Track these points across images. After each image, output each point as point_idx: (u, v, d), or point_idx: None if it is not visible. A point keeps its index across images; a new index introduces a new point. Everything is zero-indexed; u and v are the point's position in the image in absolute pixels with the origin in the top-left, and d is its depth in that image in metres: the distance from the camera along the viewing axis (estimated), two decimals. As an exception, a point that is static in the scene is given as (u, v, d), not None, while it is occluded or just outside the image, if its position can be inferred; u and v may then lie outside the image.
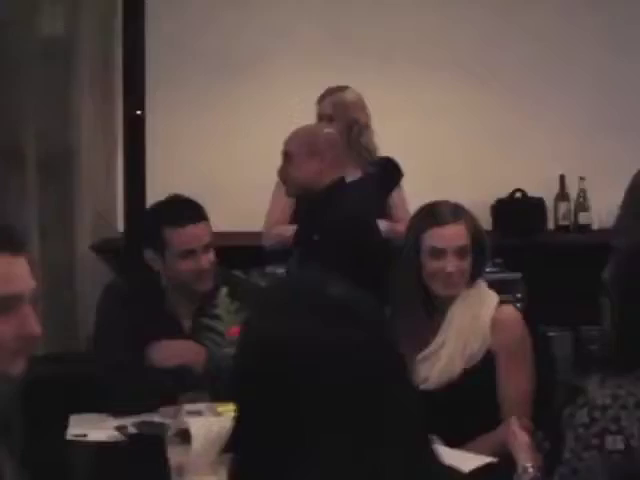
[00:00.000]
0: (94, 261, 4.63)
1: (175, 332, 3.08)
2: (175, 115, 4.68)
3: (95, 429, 2.77)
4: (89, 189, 4.68)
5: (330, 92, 4.18)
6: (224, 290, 2.56)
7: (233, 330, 2.46)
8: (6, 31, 4.57)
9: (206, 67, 4.79)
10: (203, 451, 2.37)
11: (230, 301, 2.52)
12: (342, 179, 3.72)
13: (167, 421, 2.72)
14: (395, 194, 4.21)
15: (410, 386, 1.40)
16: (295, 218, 4.06)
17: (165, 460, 2.49)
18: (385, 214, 4.12)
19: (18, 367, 1.71)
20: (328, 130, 3.84)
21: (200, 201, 3.20)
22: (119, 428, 2.73)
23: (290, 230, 3.93)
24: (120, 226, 4.76)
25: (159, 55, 4.55)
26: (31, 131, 4.53)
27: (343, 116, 4.13)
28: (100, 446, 2.70)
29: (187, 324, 3.13)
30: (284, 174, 3.75)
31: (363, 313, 1.35)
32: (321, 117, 4.15)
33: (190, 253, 3.04)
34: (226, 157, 4.84)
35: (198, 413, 2.68)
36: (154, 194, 4.29)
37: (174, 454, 2.45)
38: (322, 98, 4.20)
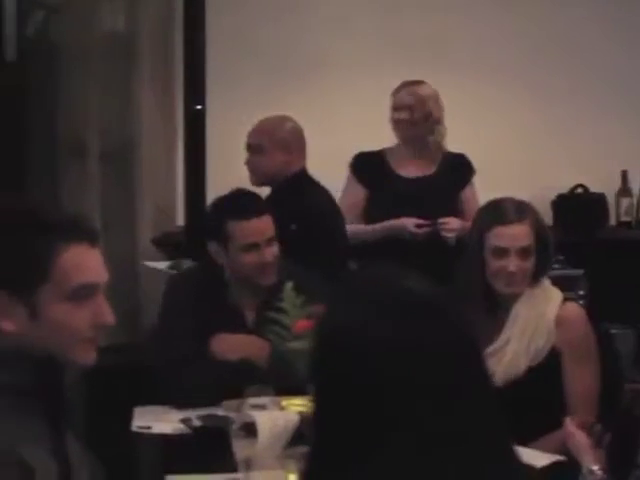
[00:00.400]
0: (154, 254, 4.66)
1: (238, 325, 3.09)
2: (236, 110, 4.68)
3: (159, 421, 2.80)
4: (150, 183, 4.71)
5: (409, 84, 4.14)
6: (290, 284, 2.56)
7: (299, 324, 2.46)
8: (69, 27, 4.62)
9: (266, 63, 4.78)
10: (269, 445, 2.38)
11: (296, 295, 2.53)
12: (304, 169, 3.84)
13: (231, 414, 2.73)
14: (467, 191, 4.16)
15: (491, 382, 1.38)
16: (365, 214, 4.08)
17: (230, 453, 2.50)
18: (457, 211, 4.06)
19: (90, 356, 1.73)
20: (293, 122, 3.92)
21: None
22: (184, 421, 2.75)
23: (364, 229, 3.98)
24: (180, 220, 4.78)
25: (220, 50, 4.56)
26: (94, 125, 4.57)
27: (421, 108, 4.11)
28: (165, 438, 2.73)
29: (250, 317, 3.14)
30: (251, 164, 3.85)
31: (445, 308, 1.34)
32: (398, 107, 4.11)
33: (253, 246, 3.06)
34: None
35: (262, 407, 2.69)
36: (214, 188, 4.31)
37: (239, 448, 2.47)
38: (399, 89, 4.13)
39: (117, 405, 2.91)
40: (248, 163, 3.89)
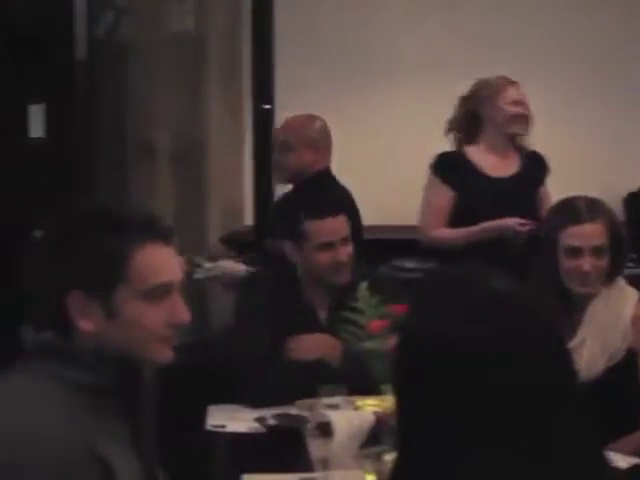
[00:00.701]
0: (223, 253, 4.68)
1: (312, 324, 3.09)
2: (303, 109, 4.68)
3: (234, 420, 2.80)
4: (218, 183, 4.74)
5: (509, 81, 4.00)
6: (364, 283, 2.55)
7: (374, 324, 2.45)
8: (138, 28, 4.66)
9: (334, 61, 4.78)
10: (345, 445, 2.37)
11: (370, 294, 2.52)
12: (328, 168, 3.88)
13: (305, 414, 2.73)
14: (542, 189, 4.08)
15: (579, 382, 1.36)
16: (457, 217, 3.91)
17: (304, 452, 2.50)
18: (535, 210, 3.91)
19: (166, 355, 1.73)
20: (321, 121, 3.93)
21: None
22: (259, 420, 2.75)
23: (470, 231, 3.81)
24: (247, 219, 4.80)
25: (287, 49, 4.57)
26: (163, 126, 4.61)
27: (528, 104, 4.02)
28: (239, 437, 2.73)
29: (323, 316, 3.14)
30: (277, 162, 3.87)
31: (534, 307, 1.32)
32: (518, 102, 3.91)
33: (328, 245, 3.06)
34: (353, 153, 4.82)
35: (335, 407, 2.68)
36: (282, 188, 4.32)
37: (315, 447, 2.46)
38: (506, 85, 3.88)
39: (191, 404, 2.93)
40: (275, 161, 3.93)
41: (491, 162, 3.95)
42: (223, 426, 2.77)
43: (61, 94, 4.43)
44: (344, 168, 4.65)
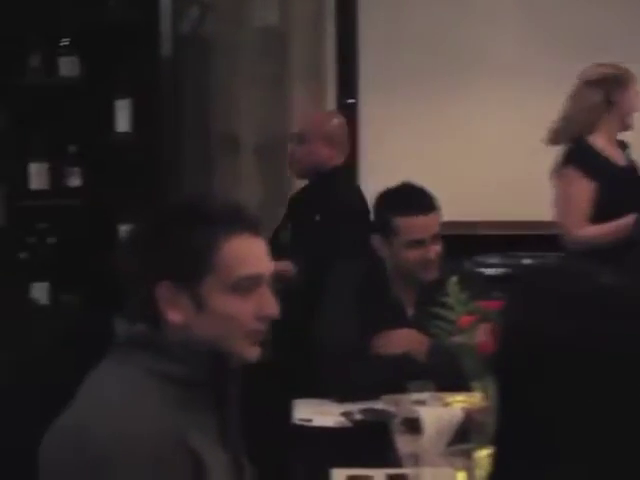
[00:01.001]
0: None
1: (399, 319, 3.08)
2: (387, 102, 4.68)
3: (320, 414, 2.80)
4: (300, 177, 4.75)
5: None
6: (454, 279, 2.54)
7: (464, 319, 2.43)
8: (222, 23, 4.69)
9: (418, 55, 4.75)
10: (433, 441, 2.36)
11: (460, 290, 2.50)
12: (343, 165, 3.94)
13: (391, 409, 2.73)
14: None
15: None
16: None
17: (391, 448, 2.49)
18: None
19: (255, 349, 1.73)
20: (340, 117, 4.00)
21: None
22: (345, 414, 2.75)
23: (602, 230, 3.71)
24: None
25: (372, 43, 4.55)
26: (247, 120, 4.63)
27: None
28: (326, 431, 2.73)
29: (410, 312, 3.13)
30: (294, 155, 3.93)
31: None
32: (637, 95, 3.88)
33: (418, 243, 3.05)
34: (435, 148, 4.80)
35: (422, 402, 2.67)
36: (365, 182, 4.32)
37: (403, 443, 2.46)
38: (632, 76, 3.87)
39: (278, 397, 2.94)
40: (292, 153, 3.98)
41: (612, 151, 3.87)
42: (310, 420, 2.78)
43: (147, 89, 4.48)
44: (426, 163, 4.65)
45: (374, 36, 4.56)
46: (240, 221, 1.71)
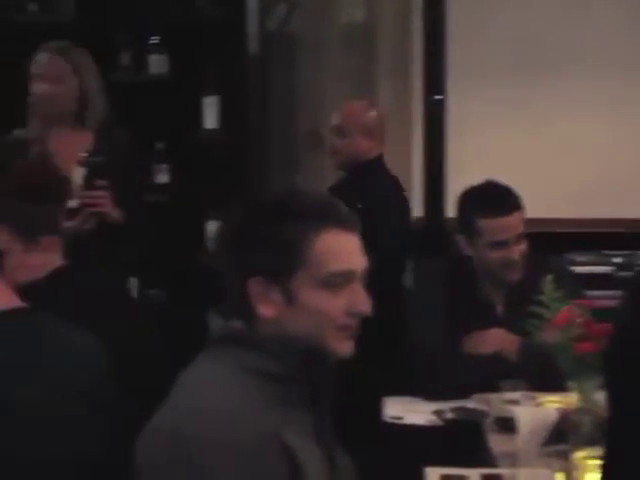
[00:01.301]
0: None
1: (489, 318, 3.06)
2: (474, 100, 4.64)
3: (411, 412, 2.79)
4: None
5: None
6: (549, 277, 2.50)
7: (559, 318, 2.40)
8: (309, 20, 4.70)
9: (507, 50, 4.70)
10: (528, 441, 2.34)
11: (554, 288, 2.47)
12: (381, 156, 4.01)
13: (482, 408, 2.71)
14: None
15: None
16: None
17: (483, 447, 2.47)
18: None
19: (347, 345, 1.72)
20: (378, 109, 4.06)
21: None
22: (437, 413, 2.74)
23: None
24: (416, 211, 4.77)
25: (460, 39, 4.50)
26: (331, 114, 4.63)
27: None
28: (417, 429, 2.72)
29: (500, 310, 3.10)
30: (334, 147, 3.99)
31: None
32: None
33: (501, 244, 3.02)
34: (524, 144, 4.74)
35: (515, 402, 2.65)
36: (453, 180, 4.29)
37: (496, 442, 2.44)
38: None
39: (368, 394, 2.94)
40: (333, 145, 4.02)
41: None
42: (401, 418, 2.77)
43: (234, 86, 4.51)
44: (514, 160, 4.60)
45: (462, 31, 4.51)
46: (332, 216, 1.71)
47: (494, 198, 3.08)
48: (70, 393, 1.80)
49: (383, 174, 4.01)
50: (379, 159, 4.03)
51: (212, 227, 4.59)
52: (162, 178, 4.62)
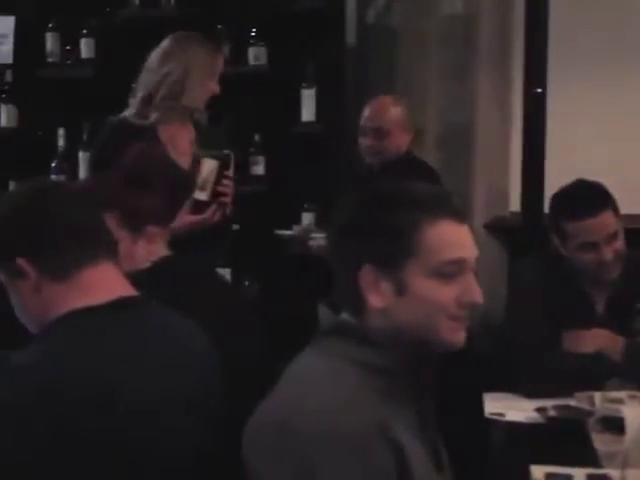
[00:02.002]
0: (486, 239, 4.64)
1: (588, 316, 3.01)
2: (575, 93, 4.56)
3: (512, 409, 2.76)
4: (484, 167, 4.69)
5: None
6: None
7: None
8: (408, 12, 4.67)
9: (612, 43, 4.60)
10: (636, 441, 2.29)
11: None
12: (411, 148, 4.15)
13: (584, 406, 2.66)
14: None
15: None
16: None
17: (588, 447, 2.43)
18: None
19: (458, 336, 1.71)
20: (403, 101, 4.16)
21: (605, 182, 3.08)
22: (539, 410, 2.70)
23: None
24: (514, 205, 4.72)
25: (562, 30, 4.42)
26: (431, 109, 4.62)
27: None
28: (516, 426, 2.69)
29: (600, 309, 3.05)
30: (374, 148, 4.03)
31: None
32: None
33: (591, 245, 2.95)
34: (625, 141, 4.65)
35: (619, 401, 2.60)
36: (553, 173, 4.22)
37: (601, 442, 2.39)
38: None
39: (469, 390, 2.91)
40: (368, 146, 4.06)
41: None
42: (502, 414, 2.74)
43: (332, 78, 4.51)
44: (615, 155, 4.52)
45: (565, 24, 4.43)
46: (444, 206, 1.70)
47: (579, 200, 3.01)
48: (182, 382, 1.81)
49: (422, 165, 4.10)
50: (410, 151, 4.15)
51: (307, 219, 4.60)
52: (258, 170, 4.65)
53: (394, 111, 4.09)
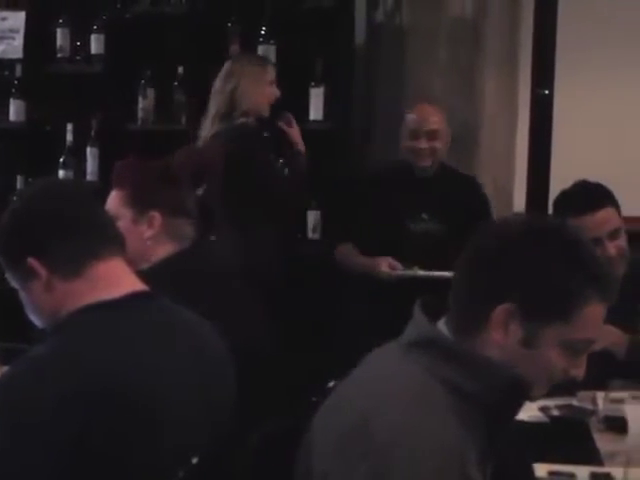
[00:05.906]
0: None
1: None
2: (582, 95, 4.57)
3: (516, 408, 2.77)
4: (488, 167, 4.70)
5: None
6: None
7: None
8: (417, 11, 4.69)
9: (619, 45, 4.61)
10: (639, 440, 2.31)
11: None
12: None
13: (587, 406, 2.68)
14: None
15: None
16: None
17: (591, 446, 2.45)
18: None
19: (543, 392, 1.74)
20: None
21: (610, 183, 3.10)
22: (542, 409, 2.71)
23: None
24: (518, 205, 4.74)
25: (570, 31, 4.44)
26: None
27: None
28: (519, 425, 2.69)
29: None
30: (429, 150, 4.03)
31: None
32: None
33: (593, 241, 2.95)
34: (632, 143, 4.66)
35: (620, 401, 2.62)
36: (558, 174, 4.25)
37: (603, 441, 2.41)
38: None
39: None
40: (426, 148, 4.04)
41: None
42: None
43: (341, 77, 4.53)
44: (621, 157, 4.53)
45: (573, 26, 4.44)
46: (608, 290, 1.69)
47: (580, 196, 3.05)
48: (195, 375, 1.84)
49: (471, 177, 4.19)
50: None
51: (312, 217, 4.62)
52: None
53: (441, 115, 4.11)
